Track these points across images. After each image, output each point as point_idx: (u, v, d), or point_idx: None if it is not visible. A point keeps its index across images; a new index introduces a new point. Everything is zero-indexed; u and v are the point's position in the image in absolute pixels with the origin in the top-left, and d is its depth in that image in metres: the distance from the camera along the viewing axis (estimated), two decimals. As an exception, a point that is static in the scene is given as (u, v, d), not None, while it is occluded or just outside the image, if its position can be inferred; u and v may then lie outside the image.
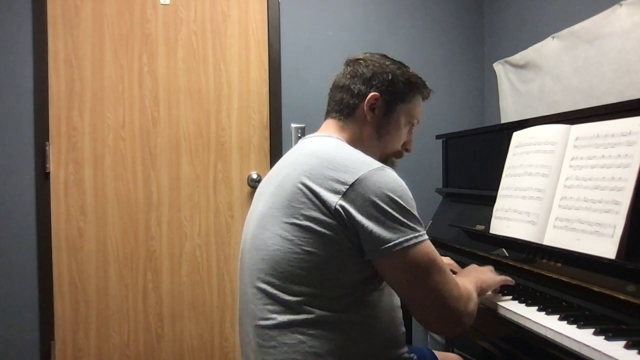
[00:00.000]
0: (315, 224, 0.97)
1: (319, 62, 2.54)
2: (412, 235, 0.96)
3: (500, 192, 1.54)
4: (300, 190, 0.99)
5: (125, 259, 2.35)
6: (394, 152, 1.20)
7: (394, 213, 0.96)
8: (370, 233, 0.95)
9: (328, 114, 1.20)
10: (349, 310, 1.00)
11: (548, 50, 2.16)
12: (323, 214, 0.96)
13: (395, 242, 0.95)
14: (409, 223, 0.97)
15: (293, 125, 2.52)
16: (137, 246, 2.36)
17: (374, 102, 1.14)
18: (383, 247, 0.95)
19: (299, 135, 2.52)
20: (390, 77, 1.15)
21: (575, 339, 0.94)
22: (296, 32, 2.53)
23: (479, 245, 1.62)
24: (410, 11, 2.69)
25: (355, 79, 1.16)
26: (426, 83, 1.22)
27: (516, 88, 2.41)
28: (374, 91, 1.14)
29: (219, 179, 2.44)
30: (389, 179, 0.99)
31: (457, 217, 1.87)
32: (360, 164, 0.99)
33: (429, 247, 0.99)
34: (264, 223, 1.05)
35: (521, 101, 2.37)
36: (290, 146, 2.48)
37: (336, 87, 1.20)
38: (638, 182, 1.08)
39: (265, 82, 2.48)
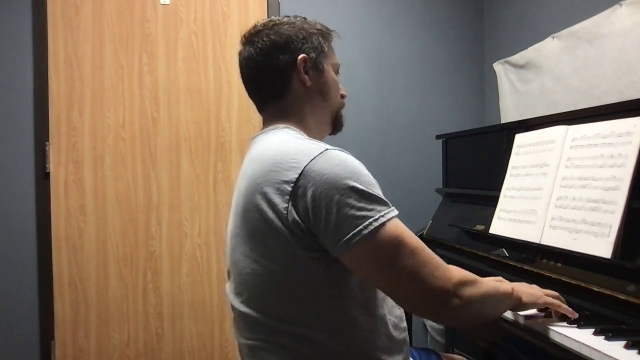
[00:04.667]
0: (269, 237, 0.90)
1: (319, 62, 2.54)
2: (369, 221, 0.85)
3: (503, 192, 1.54)
4: (250, 206, 0.93)
5: (125, 259, 2.35)
6: (339, 104, 1.14)
7: (346, 199, 0.85)
8: (325, 229, 0.86)
9: (262, 106, 1.11)
10: (332, 325, 0.93)
11: (548, 50, 2.16)
12: (274, 223, 0.89)
13: (352, 233, 0.85)
14: (364, 206, 0.86)
15: (293, 125, 2.52)
16: (137, 246, 2.36)
17: (304, 64, 1.05)
18: (341, 241, 0.85)
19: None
20: (304, 34, 1.07)
21: (575, 339, 0.94)
22: (296, 32, 2.53)
23: (479, 245, 1.61)
24: (410, 11, 2.69)
25: (272, 51, 1.05)
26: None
27: (516, 88, 2.41)
28: (297, 54, 1.05)
29: (219, 179, 2.44)
30: (334, 162, 0.88)
31: (457, 217, 1.86)
32: (302, 156, 0.90)
33: (394, 226, 0.87)
34: (234, 244, 1.01)
35: (521, 101, 2.37)
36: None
37: (253, 72, 1.09)
38: (633, 181, 1.09)
39: (265, 82, 2.48)
